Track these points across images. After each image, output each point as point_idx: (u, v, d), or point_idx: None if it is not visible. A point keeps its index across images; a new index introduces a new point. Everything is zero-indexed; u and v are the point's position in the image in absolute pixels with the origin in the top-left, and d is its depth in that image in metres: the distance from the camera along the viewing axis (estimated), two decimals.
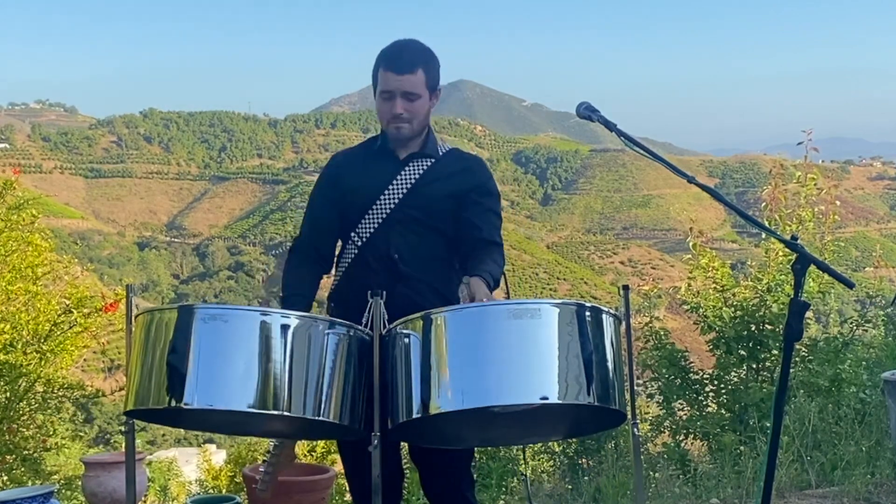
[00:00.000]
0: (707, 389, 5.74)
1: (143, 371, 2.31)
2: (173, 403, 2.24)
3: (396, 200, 2.79)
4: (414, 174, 2.81)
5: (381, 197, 2.80)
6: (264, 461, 3.02)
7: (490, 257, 2.71)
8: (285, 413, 2.25)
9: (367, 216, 2.81)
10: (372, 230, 2.81)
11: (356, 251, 2.85)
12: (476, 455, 3.35)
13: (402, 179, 2.81)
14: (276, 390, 2.25)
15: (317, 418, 2.28)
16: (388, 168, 2.83)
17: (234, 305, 2.40)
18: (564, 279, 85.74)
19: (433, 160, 2.84)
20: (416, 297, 2.66)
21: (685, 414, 5.71)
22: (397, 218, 2.79)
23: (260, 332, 2.27)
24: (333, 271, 2.96)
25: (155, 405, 2.28)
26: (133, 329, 2.42)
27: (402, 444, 3.03)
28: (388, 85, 2.74)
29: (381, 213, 2.80)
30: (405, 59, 2.74)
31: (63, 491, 6.68)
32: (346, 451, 2.96)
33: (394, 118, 2.75)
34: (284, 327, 2.28)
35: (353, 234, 2.85)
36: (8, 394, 6.46)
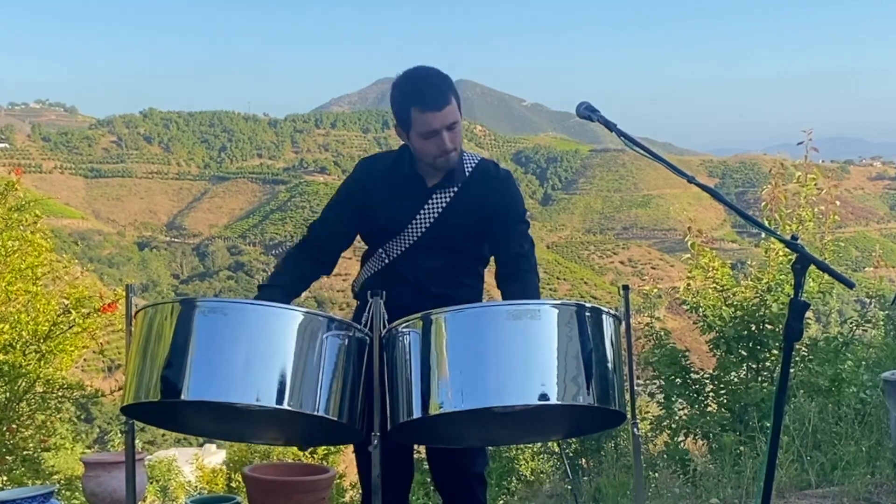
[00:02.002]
0: (707, 389, 5.74)
1: (142, 365, 2.31)
2: (172, 396, 2.24)
3: (423, 230, 2.82)
4: (440, 203, 2.82)
5: (409, 227, 2.82)
6: None
7: (522, 280, 2.77)
8: (284, 407, 2.24)
9: (393, 240, 2.85)
10: (399, 252, 2.86)
11: (383, 265, 2.90)
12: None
13: (428, 209, 2.81)
14: (276, 385, 2.24)
15: (315, 414, 2.28)
16: (415, 196, 2.82)
17: (235, 299, 2.40)
18: (564, 279, 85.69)
19: (460, 185, 2.83)
20: None
21: (685, 414, 5.71)
22: (424, 244, 2.83)
23: (260, 326, 2.27)
24: (360, 269, 2.99)
25: (153, 398, 2.27)
26: (133, 326, 2.41)
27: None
28: (431, 125, 2.67)
29: (408, 240, 2.83)
30: (439, 94, 2.66)
31: (63, 491, 6.67)
32: (359, 449, 2.96)
33: (444, 153, 2.72)
34: (285, 323, 2.28)
35: (380, 250, 2.90)
36: (8, 394, 6.46)
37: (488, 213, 2.83)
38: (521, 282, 2.77)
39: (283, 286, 2.77)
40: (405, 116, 2.71)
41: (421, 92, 2.68)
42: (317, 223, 2.94)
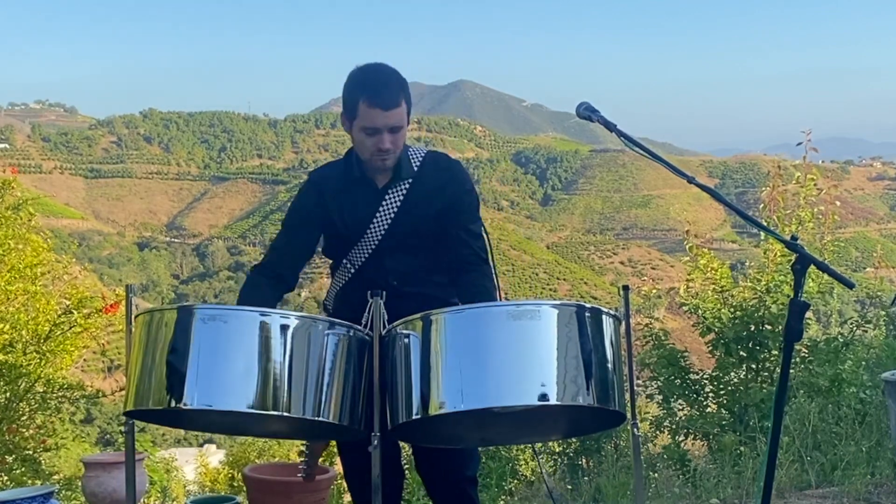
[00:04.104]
0: (707, 390, 5.75)
1: (142, 371, 2.31)
2: (172, 404, 2.24)
3: (383, 231, 2.79)
4: (395, 202, 2.80)
5: (368, 230, 2.79)
6: (301, 452, 3.03)
7: (481, 283, 2.78)
8: (285, 414, 2.25)
9: (356, 247, 2.83)
10: (364, 258, 2.83)
11: (349, 275, 2.87)
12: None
13: (385, 210, 2.79)
14: (276, 391, 2.24)
15: (316, 419, 2.28)
16: (369, 199, 2.80)
17: (233, 306, 2.40)
18: (564, 279, 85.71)
19: (410, 181, 2.81)
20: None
21: (685, 414, 5.72)
22: (388, 245, 2.80)
23: (259, 332, 2.26)
24: (329, 283, 2.97)
25: (154, 406, 2.28)
26: (133, 329, 2.41)
27: (401, 443, 3.03)
28: (374, 122, 2.65)
29: (371, 244, 2.81)
30: (390, 94, 2.65)
31: (63, 491, 6.67)
32: (346, 451, 2.96)
33: (379, 152, 2.70)
34: (284, 327, 2.28)
35: (344, 261, 2.88)
36: (8, 394, 6.46)
37: (444, 203, 2.81)
38: (481, 290, 2.76)
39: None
40: (352, 107, 2.69)
41: (373, 86, 2.66)
42: (277, 240, 2.91)
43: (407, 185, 2.81)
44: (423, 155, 2.88)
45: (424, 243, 2.84)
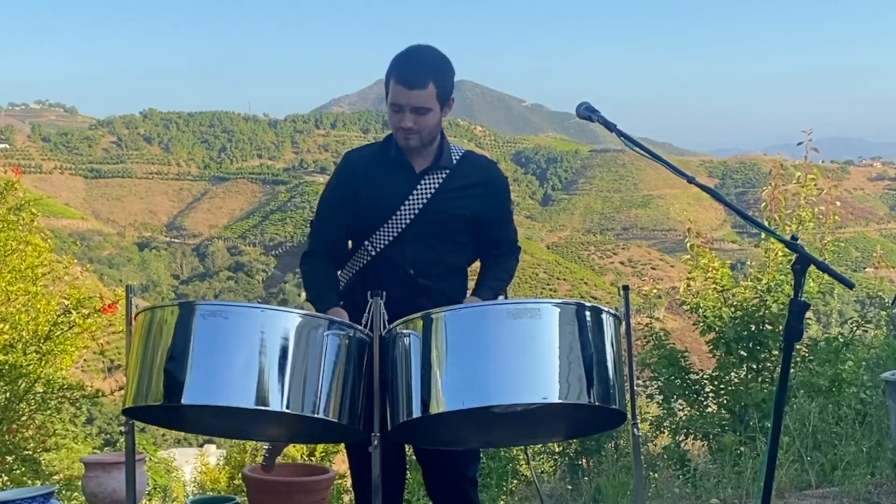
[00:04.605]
0: (707, 389, 5.74)
1: (142, 368, 2.31)
2: (173, 400, 2.24)
3: (412, 216, 2.79)
4: (429, 189, 2.80)
5: (398, 212, 2.78)
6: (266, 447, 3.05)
7: (503, 267, 2.95)
8: (284, 410, 2.25)
9: (381, 229, 2.81)
10: (386, 242, 2.82)
11: (369, 258, 2.85)
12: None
13: (418, 195, 2.79)
14: (276, 388, 2.24)
15: (315, 416, 2.28)
16: (405, 181, 2.80)
17: (234, 302, 2.40)
18: (564, 279, 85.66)
19: (448, 171, 2.83)
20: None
21: (685, 414, 5.71)
22: (413, 232, 2.79)
23: (260, 329, 2.26)
24: (342, 271, 2.96)
25: (153, 402, 2.28)
26: (133, 327, 2.41)
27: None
28: (397, 98, 2.70)
29: (397, 228, 2.80)
30: (416, 74, 2.68)
31: (63, 491, 6.67)
32: (351, 449, 2.96)
33: (402, 130, 2.73)
34: (285, 326, 2.28)
35: (366, 242, 2.85)
36: (8, 394, 6.46)
37: (484, 210, 2.86)
38: (497, 272, 2.94)
39: (333, 291, 2.81)
40: (387, 83, 2.76)
41: (402, 65, 2.73)
42: (318, 224, 2.93)
43: (445, 174, 2.83)
44: (462, 152, 2.93)
45: (448, 237, 2.84)
